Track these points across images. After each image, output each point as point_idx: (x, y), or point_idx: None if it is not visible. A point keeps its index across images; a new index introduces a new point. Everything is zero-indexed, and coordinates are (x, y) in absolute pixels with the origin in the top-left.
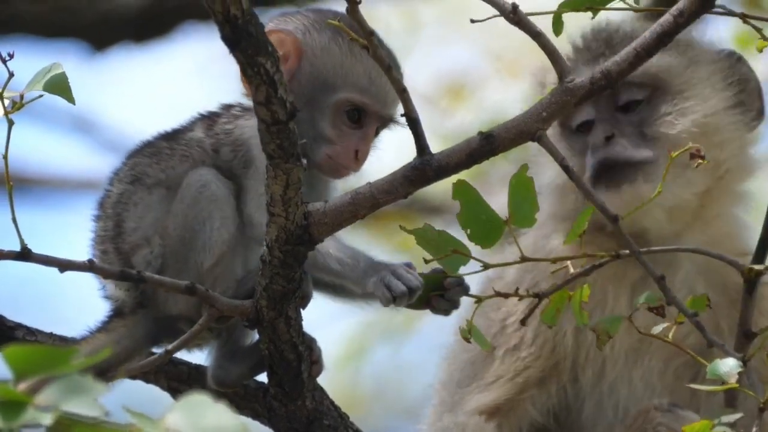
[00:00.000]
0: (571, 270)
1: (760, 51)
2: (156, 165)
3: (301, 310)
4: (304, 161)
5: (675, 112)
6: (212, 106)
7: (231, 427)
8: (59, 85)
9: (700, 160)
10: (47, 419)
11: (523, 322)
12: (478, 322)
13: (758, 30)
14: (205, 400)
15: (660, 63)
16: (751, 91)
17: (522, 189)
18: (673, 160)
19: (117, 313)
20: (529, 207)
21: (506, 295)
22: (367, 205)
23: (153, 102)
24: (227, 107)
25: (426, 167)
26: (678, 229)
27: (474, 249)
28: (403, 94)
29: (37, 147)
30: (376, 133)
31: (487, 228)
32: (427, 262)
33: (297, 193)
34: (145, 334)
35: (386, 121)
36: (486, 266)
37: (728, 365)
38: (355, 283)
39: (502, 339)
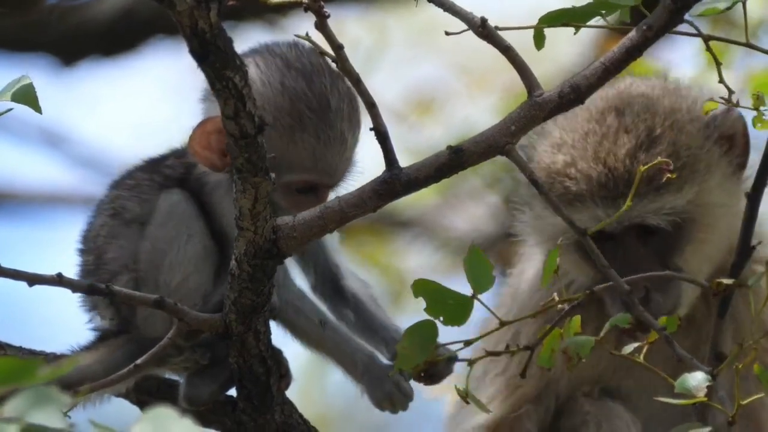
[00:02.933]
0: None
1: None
2: (135, 198)
3: (270, 323)
4: (272, 175)
5: (693, 247)
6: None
7: None
8: (26, 95)
9: (668, 174)
10: (11, 430)
11: (522, 374)
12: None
13: (718, 64)
14: (170, 414)
15: (684, 198)
16: (738, 144)
17: (476, 262)
18: (642, 173)
19: (101, 337)
20: (485, 272)
21: (497, 354)
22: (336, 219)
23: (122, 116)
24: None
25: (395, 181)
26: None
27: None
28: (371, 108)
29: (6, 161)
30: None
31: (456, 309)
32: (412, 370)
33: (266, 207)
34: (127, 356)
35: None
36: (467, 343)
37: (697, 379)
38: (353, 379)
39: (491, 365)
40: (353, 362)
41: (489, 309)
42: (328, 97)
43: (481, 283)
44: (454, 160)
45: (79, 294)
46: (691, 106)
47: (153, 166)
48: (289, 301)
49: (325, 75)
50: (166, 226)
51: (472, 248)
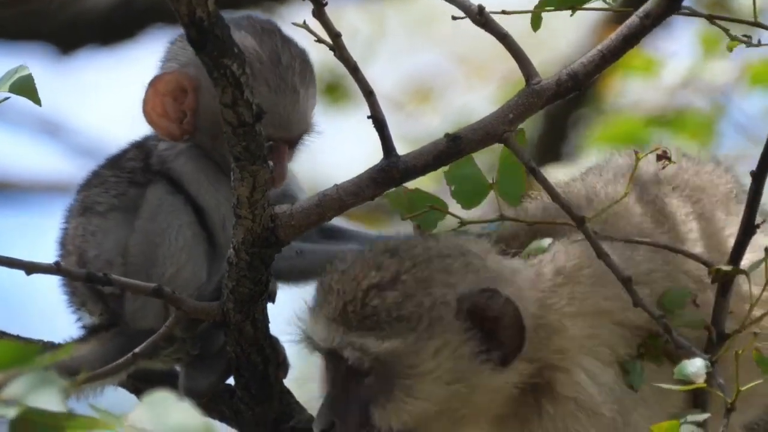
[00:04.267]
0: None
1: (731, 50)
2: (105, 193)
3: (268, 309)
4: (271, 164)
5: (392, 407)
6: (142, 132)
7: (195, 426)
8: (25, 87)
9: (666, 161)
10: (11, 412)
11: None
12: None
13: (726, 30)
14: (169, 398)
15: (383, 347)
16: (505, 328)
17: (512, 166)
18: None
19: (91, 331)
20: (516, 186)
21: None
22: (334, 207)
23: (120, 105)
24: (157, 139)
25: (393, 169)
26: None
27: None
28: (369, 96)
29: (3, 150)
30: (291, 147)
31: (471, 187)
32: (403, 219)
33: (263, 196)
34: (119, 348)
35: (296, 139)
36: (463, 222)
37: (696, 365)
38: None
39: None
40: None
41: (498, 200)
42: (279, 53)
43: (507, 188)
44: (452, 148)
45: (66, 292)
46: (456, 268)
47: (115, 162)
48: None
49: (277, 36)
50: (156, 219)
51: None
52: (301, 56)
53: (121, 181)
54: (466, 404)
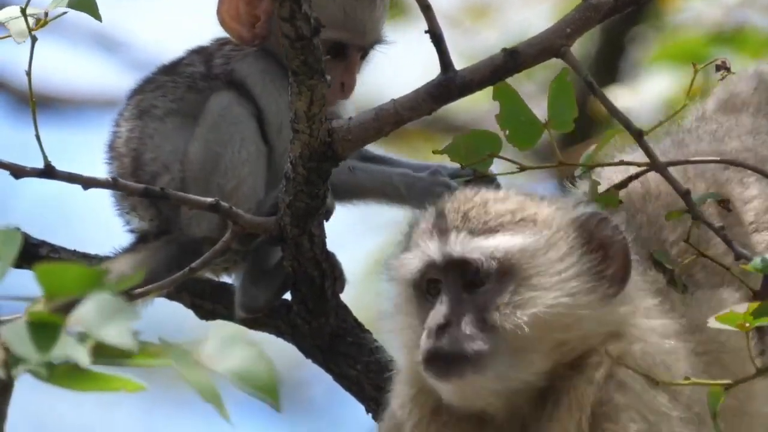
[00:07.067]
0: None
1: None
2: (162, 97)
3: (325, 224)
4: (329, 78)
5: (515, 303)
6: (203, 40)
7: (263, 369)
8: (85, 2)
9: (725, 72)
10: (83, 354)
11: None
12: None
13: None
14: (238, 338)
15: (509, 244)
16: (613, 257)
17: (562, 93)
18: (691, 91)
19: (141, 239)
20: (568, 111)
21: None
22: (391, 121)
23: (178, 19)
24: (220, 44)
25: (450, 84)
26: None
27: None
28: (427, 11)
29: (60, 65)
30: (362, 58)
31: (525, 129)
32: (463, 167)
33: (321, 110)
34: (169, 257)
35: (369, 48)
36: (522, 168)
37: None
38: (401, 203)
39: None
40: (393, 187)
41: (555, 145)
42: None
43: (559, 119)
44: (509, 63)
45: (115, 196)
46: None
47: (171, 68)
48: None
49: None
50: (219, 129)
51: (563, 77)
52: None
53: (179, 86)
54: (567, 330)
